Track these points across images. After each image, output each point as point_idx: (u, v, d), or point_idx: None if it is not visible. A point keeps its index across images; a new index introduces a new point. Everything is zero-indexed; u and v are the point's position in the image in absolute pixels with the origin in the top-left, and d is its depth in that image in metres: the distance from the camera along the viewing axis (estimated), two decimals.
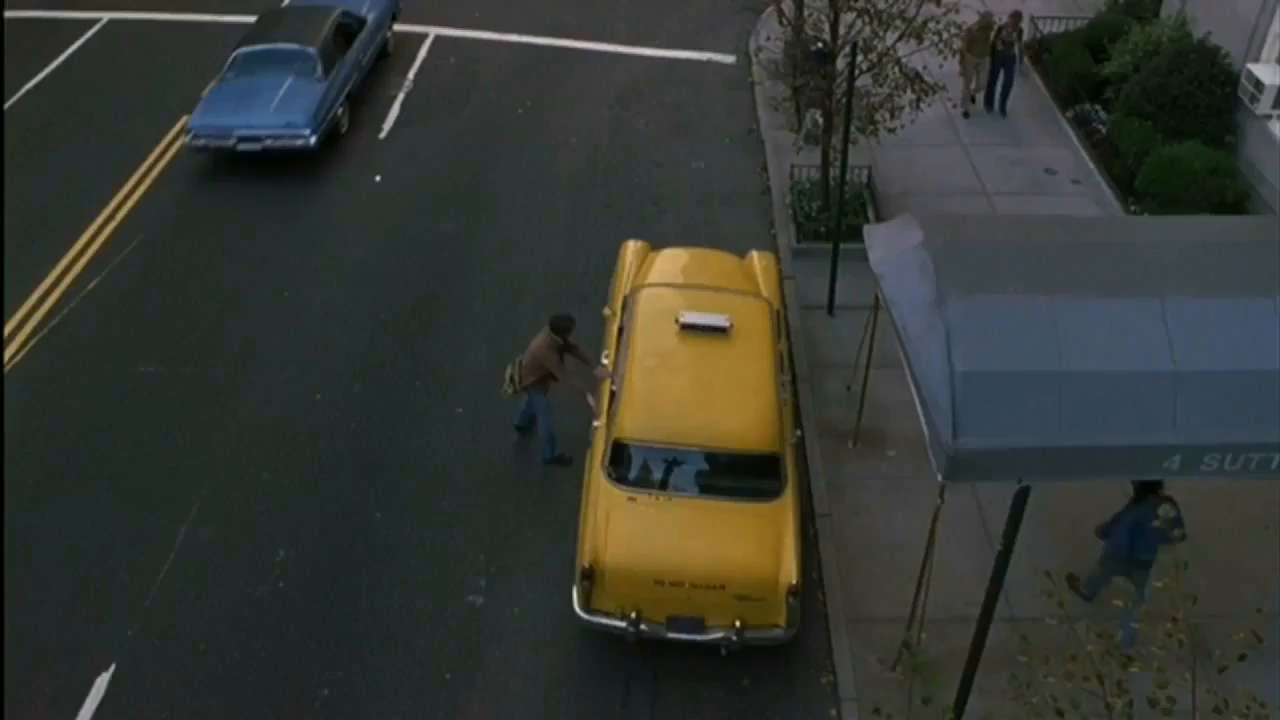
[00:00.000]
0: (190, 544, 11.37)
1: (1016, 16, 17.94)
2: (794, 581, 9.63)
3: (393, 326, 14.30)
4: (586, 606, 9.92)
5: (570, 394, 11.67)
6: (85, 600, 10.81)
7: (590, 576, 9.78)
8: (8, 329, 14.11)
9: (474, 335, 14.12)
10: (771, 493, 10.13)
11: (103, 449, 12.49)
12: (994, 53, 18.13)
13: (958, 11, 14.05)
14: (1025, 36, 20.10)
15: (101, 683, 10.08)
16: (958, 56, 16.82)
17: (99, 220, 16.18)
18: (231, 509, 11.76)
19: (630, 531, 9.87)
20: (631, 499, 10.09)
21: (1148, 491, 9.75)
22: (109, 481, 12.09)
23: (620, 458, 10.24)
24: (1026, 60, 19.79)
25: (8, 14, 22.58)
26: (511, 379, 11.67)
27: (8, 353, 13.76)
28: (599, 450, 10.57)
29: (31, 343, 13.97)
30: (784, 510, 10.07)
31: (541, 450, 12.19)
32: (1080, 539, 10.96)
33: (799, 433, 11.54)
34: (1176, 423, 7.89)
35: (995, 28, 18.12)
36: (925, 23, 13.72)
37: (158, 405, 13.08)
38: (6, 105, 19.33)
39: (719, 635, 9.78)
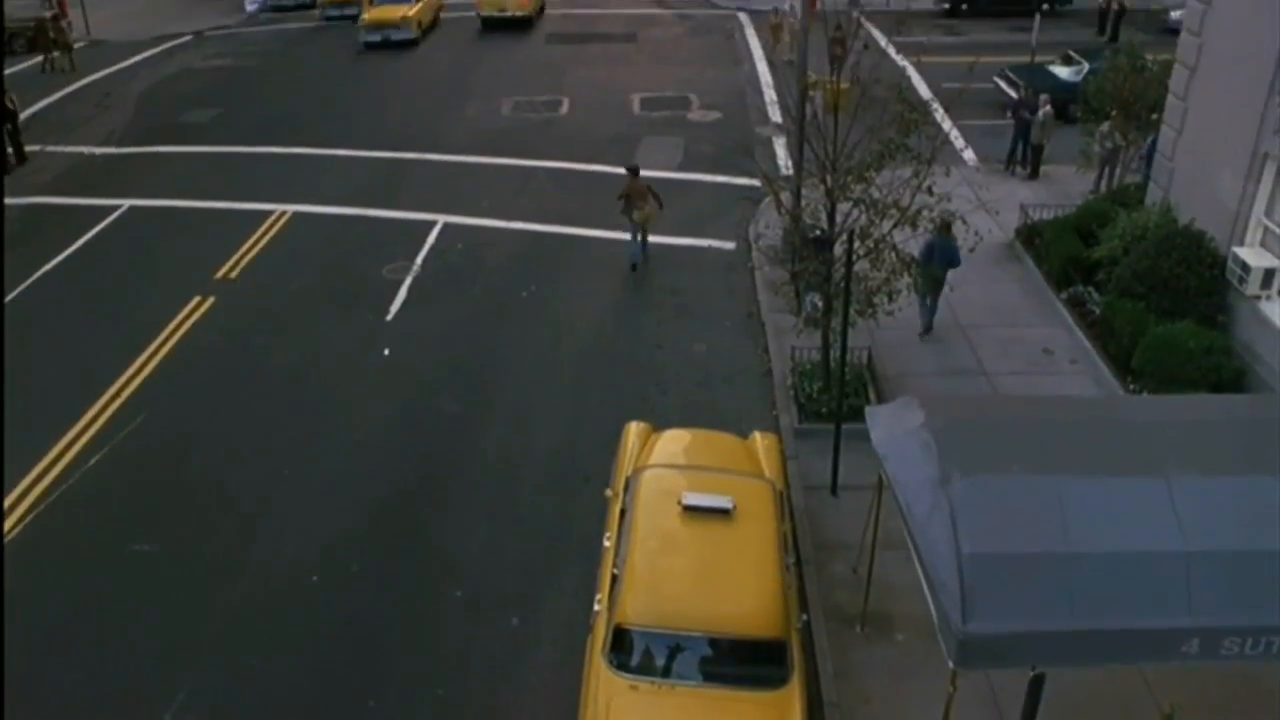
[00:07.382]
0: None
1: None
2: None
3: (393, 505, 14.18)
4: None
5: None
6: None
7: None
8: (7, 502, 14.02)
9: (475, 516, 13.96)
10: (778, 680, 9.81)
11: (90, 631, 12.17)
12: None
13: (950, 200, 14.55)
14: (1017, 223, 20.65)
15: None
16: None
17: (105, 397, 16.32)
18: (217, 697, 11.34)
19: None
20: (633, 687, 9.75)
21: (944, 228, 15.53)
22: (94, 665, 11.72)
23: (622, 643, 9.96)
24: (1019, 244, 20.23)
25: (34, 200, 23.50)
26: (627, 213, 19.92)
27: (6, 524, 13.62)
28: (600, 635, 10.28)
29: (29, 518, 13.84)
30: (790, 699, 9.72)
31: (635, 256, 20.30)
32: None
33: (805, 616, 11.27)
34: (1191, 605, 7.70)
35: None
36: (919, 211, 14.20)
37: (150, 586, 12.81)
38: (25, 285, 19.84)
39: None
